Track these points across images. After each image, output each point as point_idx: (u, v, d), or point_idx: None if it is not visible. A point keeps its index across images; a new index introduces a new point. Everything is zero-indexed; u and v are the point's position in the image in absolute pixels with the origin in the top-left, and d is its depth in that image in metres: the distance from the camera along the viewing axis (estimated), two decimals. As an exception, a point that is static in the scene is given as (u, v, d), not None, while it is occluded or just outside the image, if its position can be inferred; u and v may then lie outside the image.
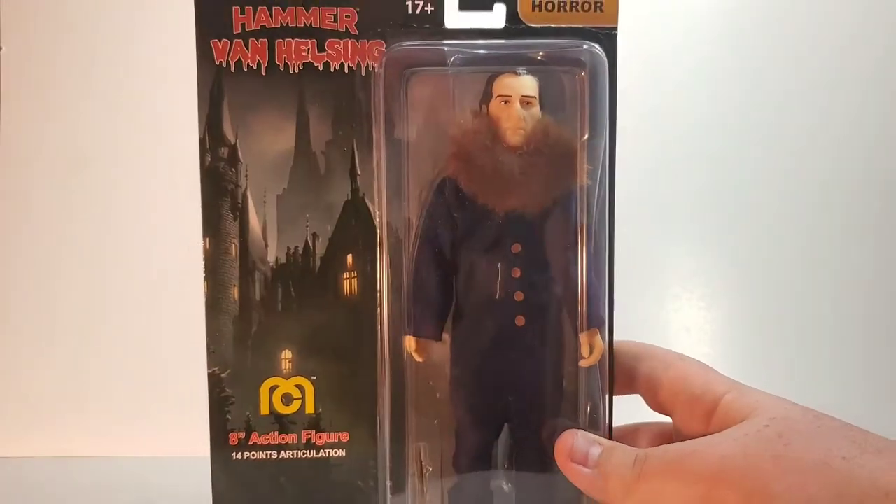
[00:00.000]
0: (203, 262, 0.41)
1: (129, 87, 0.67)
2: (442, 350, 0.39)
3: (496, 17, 0.40)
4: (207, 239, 0.41)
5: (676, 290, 0.66)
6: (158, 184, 0.67)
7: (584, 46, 0.37)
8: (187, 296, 0.64)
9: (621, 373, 0.40)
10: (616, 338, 0.39)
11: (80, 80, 0.67)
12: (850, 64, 0.68)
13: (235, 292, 0.41)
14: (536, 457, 0.38)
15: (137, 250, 0.68)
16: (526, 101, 0.36)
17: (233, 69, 0.40)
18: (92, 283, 0.67)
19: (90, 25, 0.67)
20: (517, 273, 0.37)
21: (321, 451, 0.42)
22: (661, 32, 0.66)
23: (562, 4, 0.40)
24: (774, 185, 0.68)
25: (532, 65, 0.37)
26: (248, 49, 0.40)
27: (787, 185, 0.68)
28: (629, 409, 0.41)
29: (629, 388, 0.41)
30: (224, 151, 0.41)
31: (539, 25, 0.40)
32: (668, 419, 0.40)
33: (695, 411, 0.37)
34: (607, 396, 0.38)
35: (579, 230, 0.37)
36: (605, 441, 0.37)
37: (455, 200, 0.37)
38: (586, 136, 0.37)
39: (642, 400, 0.41)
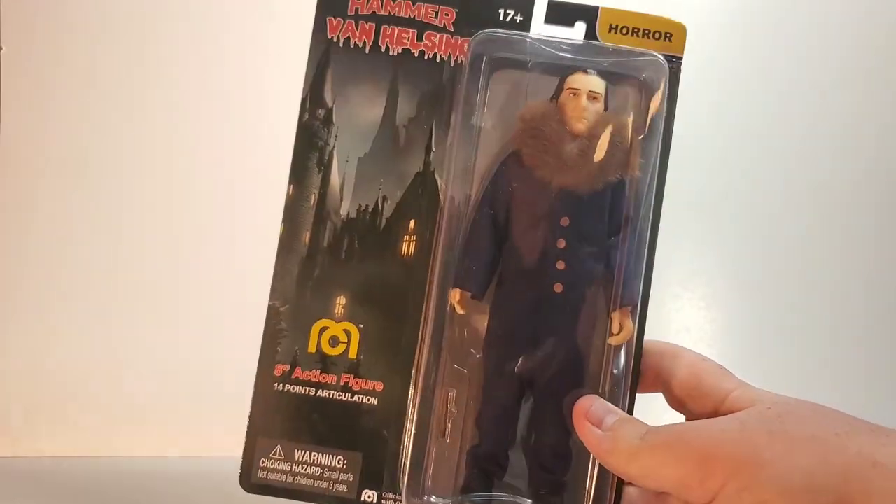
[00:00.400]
0: (284, 206, 0.46)
1: (130, 88, 0.67)
2: (483, 313, 0.42)
3: (576, 33, 0.45)
4: (291, 186, 0.46)
5: (676, 289, 0.66)
6: (159, 186, 0.67)
7: (650, 56, 0.42)
8: (189, 298, 0.66)
9: (646, 369, 0.42)
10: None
11: (82, 79, 0.67)
12: (851, 64, 0.69)
13: (307, 237, 0.45)
14: (554, 425, 0.40)
15: (139, 252, 0.68)
16: (592, 96, 0.41)
17: (341, 45, 0.46)
18: (91, 284, 0.67)
19: (92, 25, 0.67)
20: (562, 244, 0.40)
21: (355, 395, 0.45)
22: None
23: (636, 31, 0.45)
24: (775, 186, 0.68)
25: (602, 68, 0.42)
26: (357, 29, 0.46)
27: (788, 185, 0.68)
28: (648, 408, 0.43)
29: (653, 386, 0.43)
30: (321, 113, 0.46)
31: (613, 47, 0.45)
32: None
33: (704, 406, 0.39)
34: (630, 378, 0.41)
35: (625, 216, 0.41)
36: (621, 412, 0.39)
37: (516, 170, 0.41)
38: (641, 136, 0.41)
39: (659, 402, 0.43)
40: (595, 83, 0.41)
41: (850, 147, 0.70)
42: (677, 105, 0.43)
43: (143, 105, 0.67)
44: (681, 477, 0.34)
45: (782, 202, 0.70)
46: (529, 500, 0.41)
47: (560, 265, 0.40)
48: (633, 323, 0.41)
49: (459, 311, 0.41)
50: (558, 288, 0.40)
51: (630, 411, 0.41)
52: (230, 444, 0.53)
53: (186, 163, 0.67)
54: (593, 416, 0.38)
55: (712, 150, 0.69)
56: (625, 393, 0.41)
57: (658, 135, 0.41)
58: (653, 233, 0.41)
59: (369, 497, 0.44)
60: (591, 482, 0.41)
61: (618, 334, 0.41)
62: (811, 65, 0.71)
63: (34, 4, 0.66)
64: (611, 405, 0.39)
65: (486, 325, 0.42)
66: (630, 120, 0.42)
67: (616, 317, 0.40)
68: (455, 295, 0.41)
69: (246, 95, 0.68)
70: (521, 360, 0.41)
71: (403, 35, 0.46)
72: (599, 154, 0.40)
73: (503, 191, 0.41)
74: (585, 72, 0.41)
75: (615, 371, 0.41)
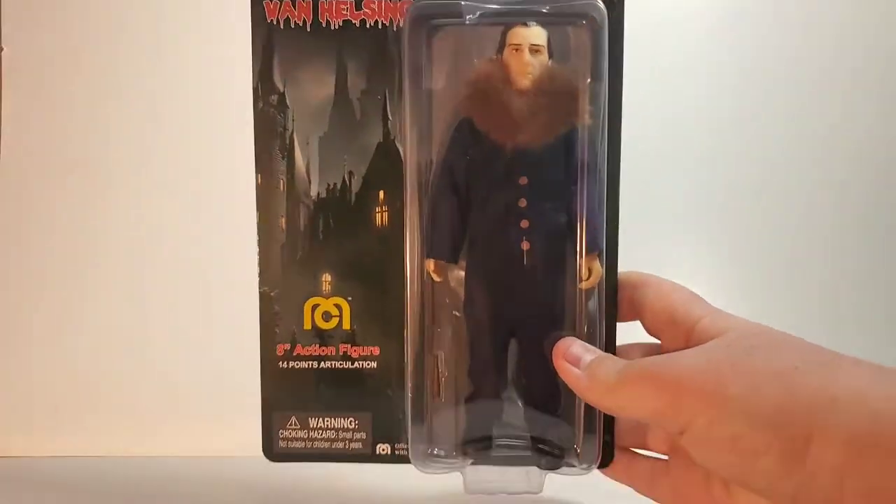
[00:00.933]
0: (255, 196, 0.47)
1: (129, 88, 0.67)
2: (459, 275, 0.44)
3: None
4: (259, 175, 0.47)
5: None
6: (156, 187, 0.68)
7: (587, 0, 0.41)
8: (186, 298, 0.66)
9: (621, 301, 0.44)
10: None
11: (83, 80, 0.67)
12: (852, 63, 0.68)
13: (283, 222, 0.47)
14: (540, 367, 0.43)
15: (135, 250, 0.68)
16: (535, 49, 0.41)
17: (282, 26, 0.46)
18: (88, 284, 0.68)
19: (93, 25, 0.67)
20: (523, 203, 0.41)
21: (355, 362, 0.48)
22: (661, 31, 0.67)
23: (574, -35, 0.44)
24: (775, 185, 0.68)
25: (540, 17, 0.41)
26: (294, 8, 0.46)
27: (788, 184, 0.68)
28: (630, 333, 0.46)
29: (629, 315, 0.45)
30: (274, 99, 0.47)
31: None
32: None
33: (676, 335, 0.41)
34: (604, 318, 0.43)
35: (582, 164, 0.42)
36: (598, 351, 0.41)
37: (470, 137, 0.42)
38: (588, 81, 0.42)
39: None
40: (536, 34, 0.41)
41: (851, 146, 0.68)
42: (625, 46, 0.42)
43: (129, 106, 0.68)
44: (656, 408, 0.37)
45: (783, 201, 0.69)
46: (528, 437, 0.45)
47: (524, 224, 0.41)
48: (602, 265, 0.42)
49: (436, 279, 0.43)
50: (525, 245, 0.42)
51: (612, 350, 0.43)
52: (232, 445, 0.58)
53: (169, 166, 0.68)
54: (571, 357, 0.40)
55: (711, 149, 0.68)
56: (601, 333, 0.43)
57: (603, 77, 0.41)
58: (612, 177, 0.42)
59: (384, 450, 0.48)
60: (582, 412, 0.44)
61: (588, 279, 0.42)
62: (815, 62, 0.68)
63: (34, 4, 0.66)
64: (588, 345, 0.41)
65: (463, 287, 0.44)
66: (575, 68, 0.42)
67: (584, 262, 0.42)
68: (430, 265, 0.43)
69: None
70: (500, 314, 0.43)
71: (342, 6, 0.46)
72: (547, 108, 0.40)
73: (460, 158, 0.42)
74: (526, 24, 0.41)
75: (591, 312, 0.43)
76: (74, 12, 0.67)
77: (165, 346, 0.68)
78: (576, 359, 0.40)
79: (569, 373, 0.40)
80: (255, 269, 0.47)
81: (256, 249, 0.47)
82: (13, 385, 0.68)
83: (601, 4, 0.41)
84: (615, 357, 0.41)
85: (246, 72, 0.46)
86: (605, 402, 0.39)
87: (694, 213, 0.69)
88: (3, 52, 0.66)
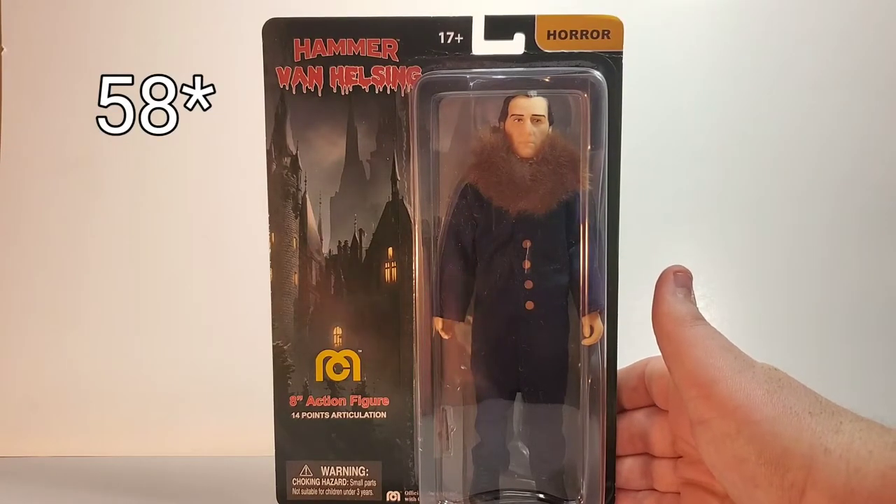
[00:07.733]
0: (269, 253, 0.49)
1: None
2: (465, 329, 0.46)
3: (516, 45, 0.47)
4: (273, 234, 0.49)
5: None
6: (146, 186, 0.69)
7: (586, 73, 0.43)
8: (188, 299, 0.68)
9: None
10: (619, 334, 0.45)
11: (82, 81, 0.68)
12: (849, 66, 0.69)
13: (296, 278, 0.49)
14: (545, 419, 0.45)
15: (132, 251, 0.70)
16: (536, 119, 0.43)
17: (294, 92, 0.48)
18: (91, 284, 0.69)
19: (92, 26, 0.68)
20: (527, 265, 0.43)
21: (366, 413, 0.49)
22: (663, 32, 0.69)
23: (573, 33, 0.46)
24: (774, 186, 0.69)
25: (541, 87, 0.43)
26: (306, 74, 0.48)
27: (788, 185, 0.70)
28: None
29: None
30: (287, 161, 0.48)
31: (553, 51, 0.46)
32: None
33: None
34: (607, 374, 0.45)
35: (582, 228, 0.44)
36: (690, 293, 0.42)
37: (475, 203, 0.44)
38: (588, 148, 0.44)
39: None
40: (537, 105, 0.43)
41: (849, 145, 0.69)
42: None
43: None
44: (689, 382, 0.38)
45: (782, 202, 0.70)
46: (533, 487, 0.46)
47: (528, 285, 0.43)
48: (603, 323, 0.44)
49: (444, 336, 0.45)
50: (530, 306, 0.43)
51: (613, 401, 0.45)
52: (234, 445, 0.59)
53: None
54: (680, 280, 0.42)
55: (711, 151, 0.69)
56: (603, 386, 0.45)
57: (602, 144, 0.43)
58: (611, 238, 0.44)
59: (394, 497, 0.50)
60: (585, 463, 0.46)
61: (590, 336, 0.44)
62: (813, 66, 0.69)
63: (34, 4, 0.67)
64: (689, 283, 0.42)
65: (470, 343, 0.46)
66: (575, 134, 0.44)
67: (586, 321, 0.44)
68: (437, 323, 0.45)
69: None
70: (506, 371, 0.45)
71: (352, 73, 0.48)
72: (549, 175, 0.42)
73: (466, 222, 0.44)
74: (527, 95, 0.43)
75: (593, 367, 0.45)
76: (74, 12, 0.68)
77: (167, 348, 0.69)
78: (682, 285, 0.42)
79: (667, 287, 0.41)
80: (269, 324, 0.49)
81: (270, 304, 0.49)
82: (14, 385, 0.69)
83: (600, 77, 0.43)
84: (696, 307, 0.42)
85: (259, 135, 0.48)
86: (663, 326, 0.40)
87: (694, 213, 0.70)
88: (3, 52, 0.67)
